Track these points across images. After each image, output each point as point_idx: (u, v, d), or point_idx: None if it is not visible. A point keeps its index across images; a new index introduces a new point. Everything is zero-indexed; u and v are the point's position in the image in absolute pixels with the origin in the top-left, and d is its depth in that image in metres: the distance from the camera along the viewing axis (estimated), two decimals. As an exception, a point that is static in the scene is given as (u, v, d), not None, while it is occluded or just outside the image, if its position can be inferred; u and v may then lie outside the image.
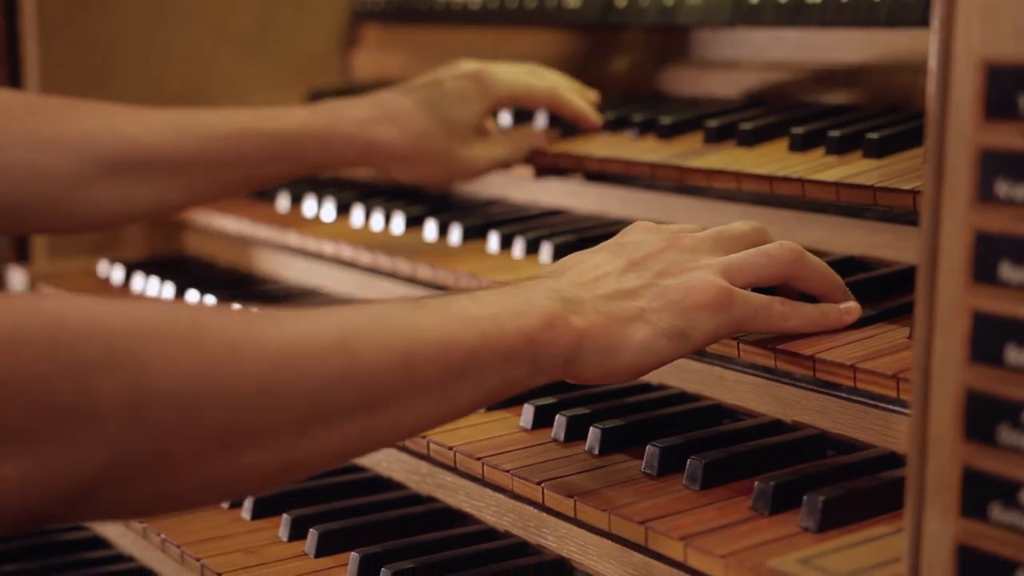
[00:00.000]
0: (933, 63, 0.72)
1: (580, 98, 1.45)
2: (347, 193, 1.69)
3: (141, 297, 0.79)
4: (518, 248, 1.38)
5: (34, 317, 0.73)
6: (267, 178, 1.45)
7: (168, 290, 1.67)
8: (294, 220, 1.67)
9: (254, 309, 0.83)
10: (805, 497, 0.91)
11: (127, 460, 0.75)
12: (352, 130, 1.39)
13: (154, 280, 1.70)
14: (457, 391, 0.87)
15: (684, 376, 1.17)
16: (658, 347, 0.94)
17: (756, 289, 1.01)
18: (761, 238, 1.04)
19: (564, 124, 1.47)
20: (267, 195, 1.77)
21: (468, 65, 1.44)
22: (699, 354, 1.14)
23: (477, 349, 0.87)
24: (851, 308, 1.04)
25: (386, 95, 1.42)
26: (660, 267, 0.98)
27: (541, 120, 1.50)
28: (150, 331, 0.76)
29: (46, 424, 0.71)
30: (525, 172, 1.51)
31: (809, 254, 1.03)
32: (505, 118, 1.56)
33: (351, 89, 1.95)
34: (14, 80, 1.92)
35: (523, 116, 1.55)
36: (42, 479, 0.72)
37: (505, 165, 1.45)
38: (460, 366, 0.86)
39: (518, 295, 0.93)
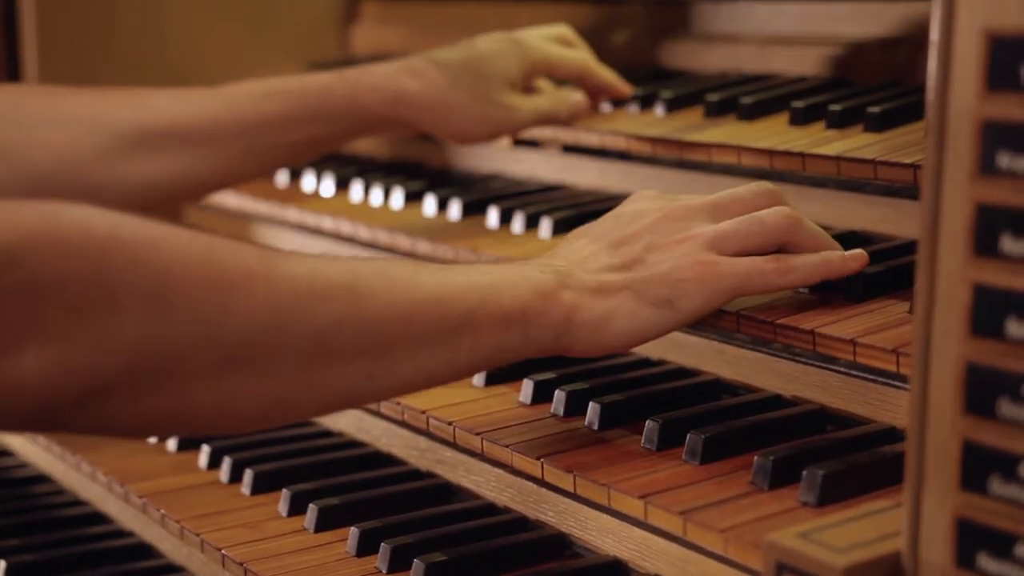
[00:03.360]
0: (935, 34, 0.72)
1: (609, 70, 1.43)
2: (346, 168, 1.68)
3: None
4: (517, 223, 1.37)
5: (64, 221, 0.77)
6: (298, 143, 1.37)
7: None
8: (293, 195, 1.66)
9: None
10: (804, 472, 0.91)
11: (142, 366, 0.78)
12: (379, 81, 1.35)
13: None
14: (453, 350, 0.90)
15: (683, 351, 1.17)
16: (645, 318, 0.96)
17: None
18: (761, 201, 1.02)
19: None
20: (266, 170, 1.77)
21: (503, 32, 1.41)
22: (698, 328, 1.14)
23: (475, 311, 0.90)
24: (856, 254, 1.02)
25: (416, 56, 1.39)
26: (650, 239, 0.99)
27: (633, 107, 1.43)
28: (171, 247, 0.80)
29: (69, 323, 0.75)
30: (525, 146, 1.50)
31: (806, 220, 1.02)
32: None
33: (351, 63, 1.94)
34: (12, 56, 1.91)
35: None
36: (61, 376, 0.76)
37: (548, 119, 1.39)
38: (457, 326, 0.90)
39: (516, 268, 0.96)
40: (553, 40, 1.44)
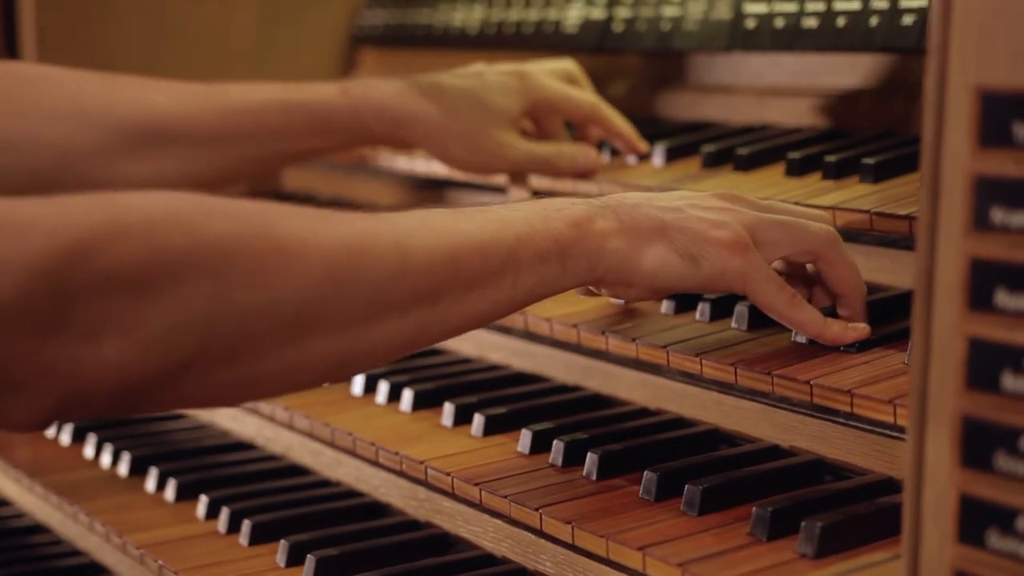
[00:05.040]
0: (928, 90, 0.73)
1: (621, 119, 1.42)
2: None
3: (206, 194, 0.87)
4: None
5: (125, 210, 0.79)
6: (297, 152, 1.39)
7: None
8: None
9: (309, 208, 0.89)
10: (803, 523, 0.91)
11: (213, 341, 0.81)
12: (384, 99, 1.35)
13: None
14: (498, 288, 0.94)
15: (681, 401, 1.17)
16: (672, 263, 0.99)
17: None
18: (816, 241, 1.04)
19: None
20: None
21: (513, 65, 1.41)
22: (696, 379, 1.14)
23: (514, 248, 0.94)
24: (857, 328, 1.05)
25: (423, 76, 1.39)
26: (694, 200, 1.02)
27: (632, 157, 1.44)
28: (226, 222, 0.82)
29: (141, 308, 0.78)
30: (519, 191, 1.51)
31: (846, 251, 1.05)
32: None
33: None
34: (10, 38, 1.93)
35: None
36: (138, 361, 0.79)
37: (547, 166, 1.38)
38: (499, 263, 0.93)
39: (549, 202, 0.99)
40: (560, 76, 1.43)
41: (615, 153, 1.44)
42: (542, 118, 1.41)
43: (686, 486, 0.99)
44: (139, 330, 0.78)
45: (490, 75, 1.39)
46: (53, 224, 0.77)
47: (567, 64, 1.46)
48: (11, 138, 1.26)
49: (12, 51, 1.95)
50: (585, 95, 1.42)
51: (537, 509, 1.02)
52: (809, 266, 1.09)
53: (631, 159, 1.42)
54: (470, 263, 0.91)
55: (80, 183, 1.28)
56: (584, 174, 1.38)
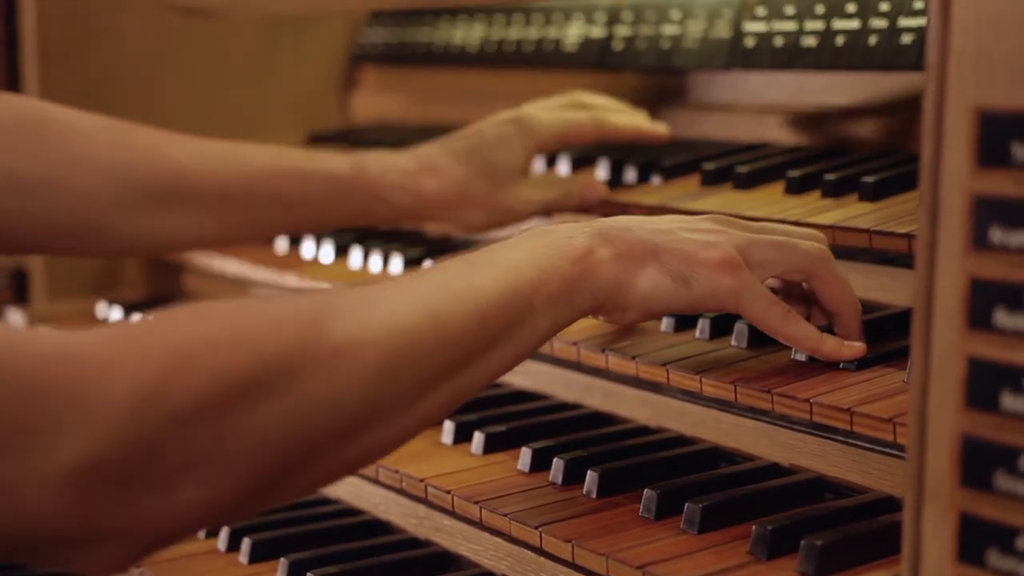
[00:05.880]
0: (927, 110, 0.73)
1: (631, 116, 1.41)
2: (345, 235, 1.69)
3: (258, 299, 0.88)
4: (516, 290, 1.37)
5: (188, 339, 0.78)
6: (310, 221, 1.40)
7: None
8: (293, 262, 1.67)
9: (334, 291, 0.91)
10: (803, 542, 0.91)
11: (287, 460, 0.81)
12: (400, 180, 1.36)
13: (152, 321, 1.70)
14: (519, 338, 0.94)
15: (681, 419, 1.17)
16: (664, 285, 1.01)
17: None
18: (807, 259, 1.05)
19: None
20: (266, 236, 1.78)
21: (508, 112, 1.41)
22: (696, 397, 1.15)
23: (529, 297, 0.94)
24: (853, 347, 1.05)
25: (426, 148, 1.40)
26: (688, 224, 1.04)
27: (602, 171, 1.46)
28: (288, 336, 0.82)
29: (219, 442, 0.78)
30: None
31: (837, 268, 1.06)
32: (564, 167, 1.52)
33: (351, 131, 1.96)
34: (12, 66, 1.93)
35: (582, 162, 1.51)
36: (218, 494, 0.79)
37: (557, 208, 1.39)
38: (519, 316, 0.94)
39: (552, 240, 0.99)
40: (564, 106, 1.43)
41: (615, 176, 1.44)
42: (556, 151, 1.41)
43: (686, 504, 0.99)
44: (218, 465, 0.78)
45: (488, 131, 1.39)
46: (131, 369, 0.75)
47: (571, 96, 1.45)
48: (30, 183, 1.26)
49: (14, 69, 1.95)
50: (586, 115, 1.41)
51: (537, 527, 1.02)
52: (805, 285, 1.09)
53: (629, 176, 1.42)
54: (495, 322, 0.92)
55: (91, 232, 1.29)
56: (592, 206, 1.38)
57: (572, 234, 0.99)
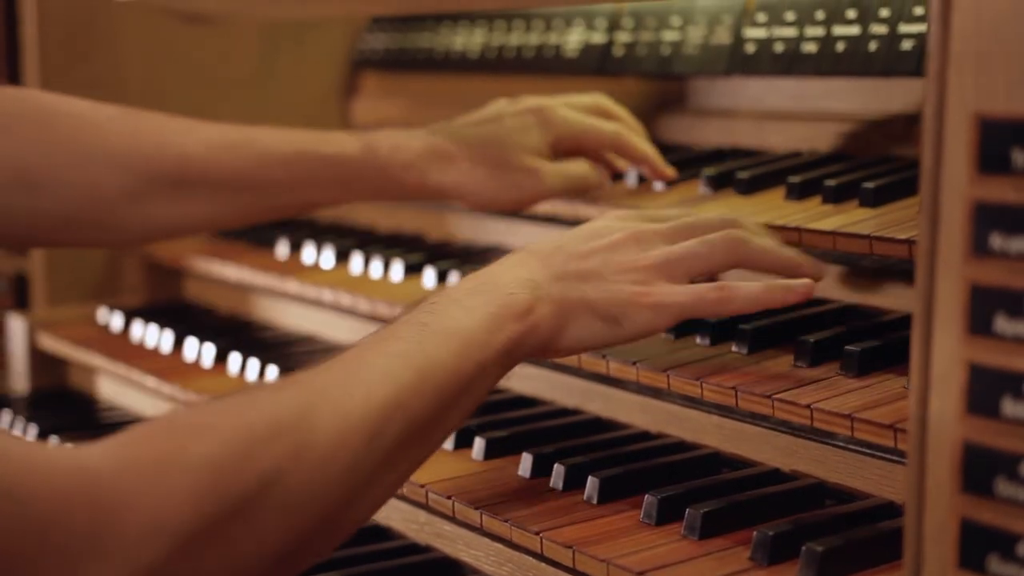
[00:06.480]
0: (927, 117, 0.73)
1: (648, 144, 1.41)
2: (346, 240, 1.69)
3: (245, 396, 0.90)
4: (516, 296, 1.37)
5: (184, 465, 0.80)
6: (320, 202, 1.41)
7: (167, 337, 1.67)
8: (294, 267, 1.67)
9: (313, 377, 0.92)
10: (803, 547, 0.91)
11: (283, 557, 0.85)
12: (412, 158, 1.35)
13: (153, 327, 1.70)
14: (470, 401, 0.99)
15: (682, 425, 1.17)
16: (596, 330, 1.05)
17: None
18: (722, 226, 1.08)
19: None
20: (266, 243, 1.78)
21: (531, 100, 1.40)
22: (697, 402, 1.15)
23: (482, 363, 0.98)
24: (800, 284, 1.06)
25: (441, 131, 1.38)
26: (607, 257, 1.07)
27: (632, 178, 1.44)
28: (279, 446, 0.84)
29: (224, 564, 0.81)
30: (524, 220, 1.51)
31: (755, 238, 1.08)
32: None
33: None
34: (12, 58, 1.93)
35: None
36: (235, 569, 0.82)
37: (585, 186, 1.37)
38: (470, 381, 0.98)
39: (496, 299, 1.01)
40: (587, 110, 1.42)
41: (617, 177, 1.44)
42: (569, 153, 1.40)
43: (687, 510, 0.99)
44: (229, 546, 0.81)
45: (508, 118, 1.38)
46: (148, 506, 0.77)
47: (596, 98, 1.44)
48: (39, 179, 1.25)
49: (15, 76, 1.95)
50: (609, 125, 1.40)
51: (538, 533, 1.02)
52: None
53: (631, 180, 1.42)
54: (451, 392, 0.95)
55: (104, 222, 1.29)
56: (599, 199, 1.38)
57: (513, 289, 1.02)
